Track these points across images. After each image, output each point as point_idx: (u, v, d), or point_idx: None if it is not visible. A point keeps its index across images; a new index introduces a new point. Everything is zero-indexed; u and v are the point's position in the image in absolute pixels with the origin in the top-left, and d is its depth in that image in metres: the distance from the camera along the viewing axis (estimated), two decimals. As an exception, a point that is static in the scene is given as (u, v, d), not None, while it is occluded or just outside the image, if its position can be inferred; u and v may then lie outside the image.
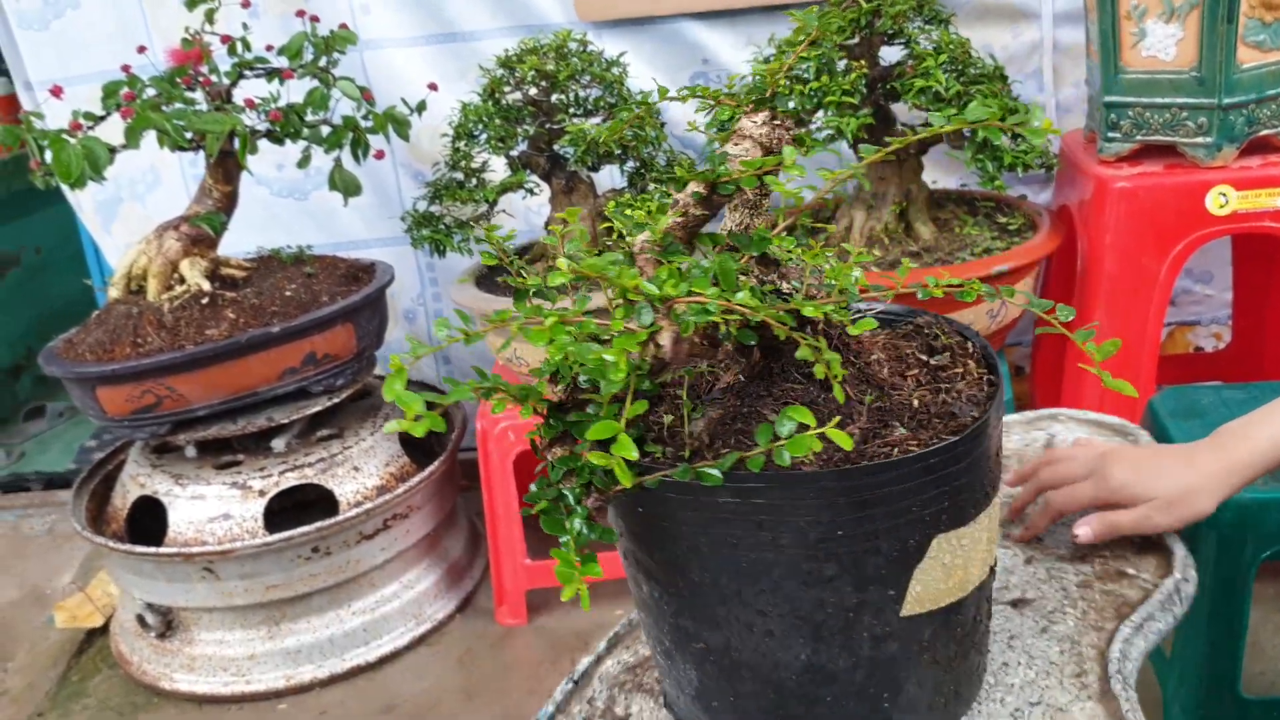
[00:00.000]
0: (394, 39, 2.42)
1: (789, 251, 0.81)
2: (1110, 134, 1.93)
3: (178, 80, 1.99)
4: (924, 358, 0.85)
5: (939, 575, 0.77)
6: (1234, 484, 1.02)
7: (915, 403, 0.79)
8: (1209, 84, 1.80)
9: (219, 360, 1.96)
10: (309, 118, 2.05)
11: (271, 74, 2.07)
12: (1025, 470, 1.15)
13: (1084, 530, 1.04)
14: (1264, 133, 1.85)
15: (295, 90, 2.06)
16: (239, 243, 2.28)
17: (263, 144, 2.05)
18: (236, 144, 1.97)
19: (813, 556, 0.73)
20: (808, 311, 0.74)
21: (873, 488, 0.72)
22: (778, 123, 0.76)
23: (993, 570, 0.85)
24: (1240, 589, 1.50)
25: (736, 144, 0.75)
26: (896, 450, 0.74)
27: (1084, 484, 1.05)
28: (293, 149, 2.11)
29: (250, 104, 1.99)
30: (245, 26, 2.09)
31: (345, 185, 2.17)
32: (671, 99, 0.86)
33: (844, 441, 0.66)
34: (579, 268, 0.69)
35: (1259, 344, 2.35)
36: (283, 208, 2.56)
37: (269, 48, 2.08)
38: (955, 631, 0.81)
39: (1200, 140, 1.83)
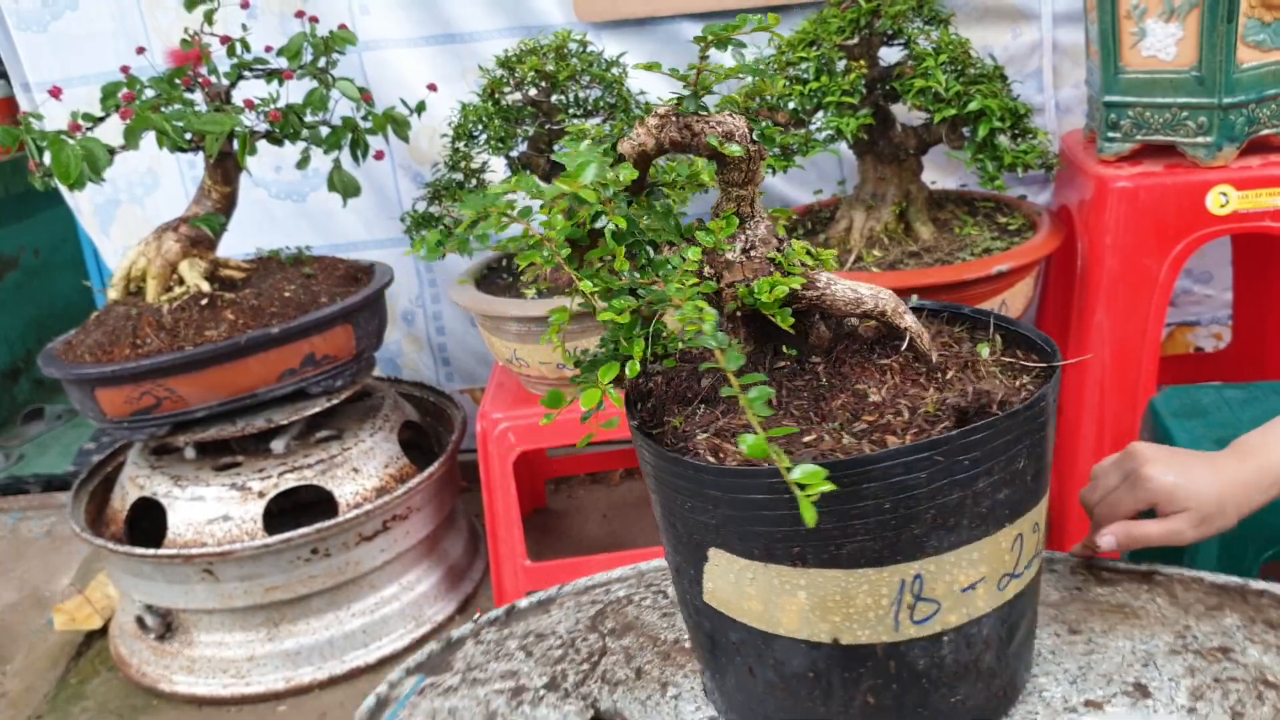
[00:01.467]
0: (393, 40, 2.42)
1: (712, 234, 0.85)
2: (1110, 134, 1.93)
3: (177, 81, 1.99)
4: (919, 392, 0.84)
5: (727, 588, 0.81)
6: (1257, 500, 0.99)
7: (826, 440, 0.80)
8: (1209, 84, 1.79)
9: (218, 361, 1.96)
10: (308, 118, 2.04)
11: (271, 75, 2.07)
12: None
13: (1108, 539, 1.00)
14: (1264, 132, 1.85)
15: (294, 91, 2.06)
16: (237, 245, 2.27)
17: (261, 146, 2.05)
18: (235, 145, 1.97)
19: (654, 496, 0.85)
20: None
21: (656, 468, 0.81)
22: (673, 119, 0.82)
23: (873, 660, 0.80)
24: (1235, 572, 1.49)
25: (635, 130, 0.83)
26: (704, 452, 0.80)
27: (1121, 491, 1.01)
28: (291, 151, 2.11)
29: (250, 105, 1.99)
30: (244, 28, 2.09)
31: (344, 186, 2.16)
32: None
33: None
34: (526, 186, 0.79)
35: (1259, 344, 2.35)
36: (281, 210, 2.56)
37: (268, 49, 2.08)
38: (769, 661, 0.82)
39: (1200, 140, 1.83)
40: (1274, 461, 0.99)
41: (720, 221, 0.85)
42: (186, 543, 1.99)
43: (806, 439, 0.80)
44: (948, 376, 0.85)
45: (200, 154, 2.02)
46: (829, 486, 0.64)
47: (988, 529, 0.78)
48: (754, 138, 0.84)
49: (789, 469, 0.65)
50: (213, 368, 1.96)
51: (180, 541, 1.99)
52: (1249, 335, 2.40)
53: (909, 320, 0.86)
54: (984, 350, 0.87)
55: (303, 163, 2.13)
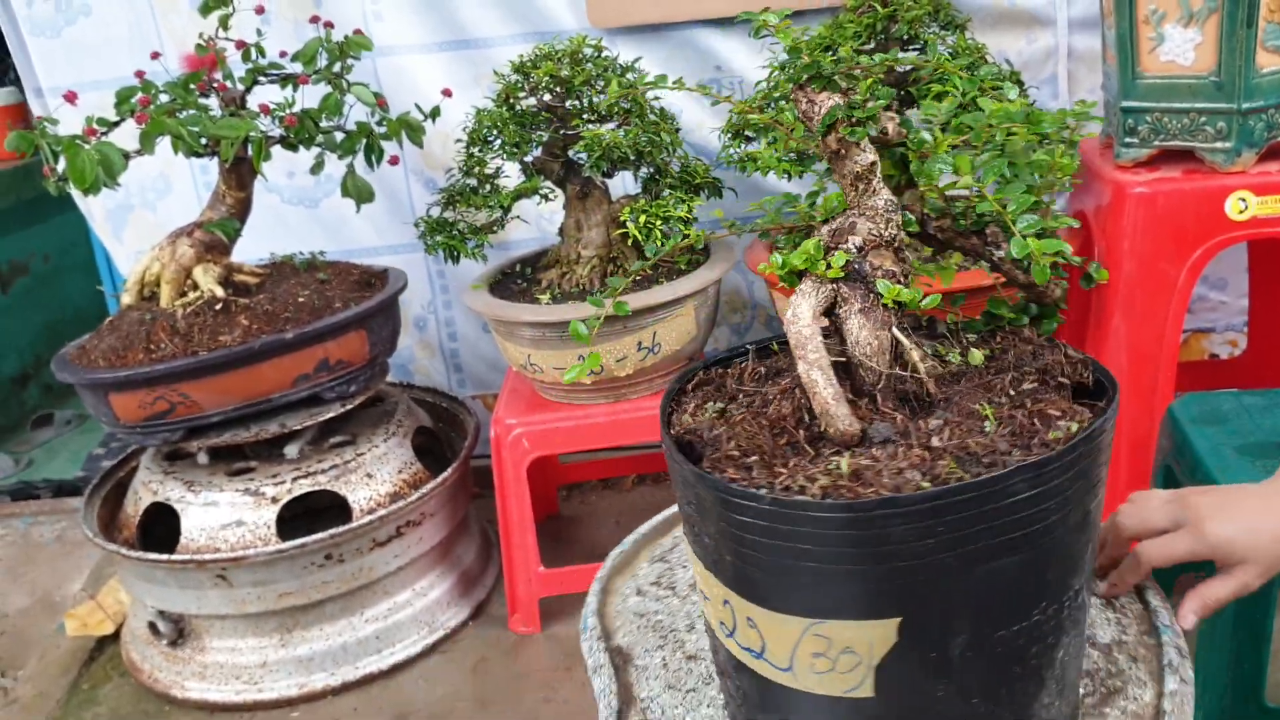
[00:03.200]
0: (407, 45, 2.42)
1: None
2: (1128, 139, 1.92)
3: (192, 86, 1.99)
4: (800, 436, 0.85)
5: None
6: None
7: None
8: (1228, 89, 1.78)
9: (232, 366, 1.95)
10: (323, 124, 2.04)
11: (286, 80, 2.07)
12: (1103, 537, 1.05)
13: (1190, 619, 0.96)
14: (1283, 138, 1.84)
15: (309, 97, 2.06)
16: (251, 250, 2.27)
17: (274, 151, 2.04)
18: (250, 150, 1.96)
19: None
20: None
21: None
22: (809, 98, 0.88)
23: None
24: (1264, 596, 1.48)
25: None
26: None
27: (1178, 537, 0.97)
28: (304, 156, 2.10)
29: (265, 109, 1.99)
30: (259, 33, 2.08)
31: (358, 192, 2.16)
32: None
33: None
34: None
35: (1276, 351, 2.34)
36: (293, 215, 2.56)
37: (282, 54, 2.08)
38: None
39: (1219, 145, 1.82)
40: None
41: (811, 197, 0.94)
42: (200, 548, 1.98)
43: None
44: (784, 432, 0.83)
45: (214, 159, 2.01)
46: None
47: (707, 560, 0.81)
48: (821, 127, 0.85)
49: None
50: (227, 373, 1.96)
51: (193, 547, 1.99)
52: (1265, 342, 2.39)
53: (801, 368, 0.81)
54: (845, 464, 0.77)
55: (317, 168, 2.12)
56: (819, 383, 0.79)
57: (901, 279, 0.84)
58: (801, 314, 0.82)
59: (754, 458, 0.78)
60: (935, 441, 0.76)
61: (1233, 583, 0.95)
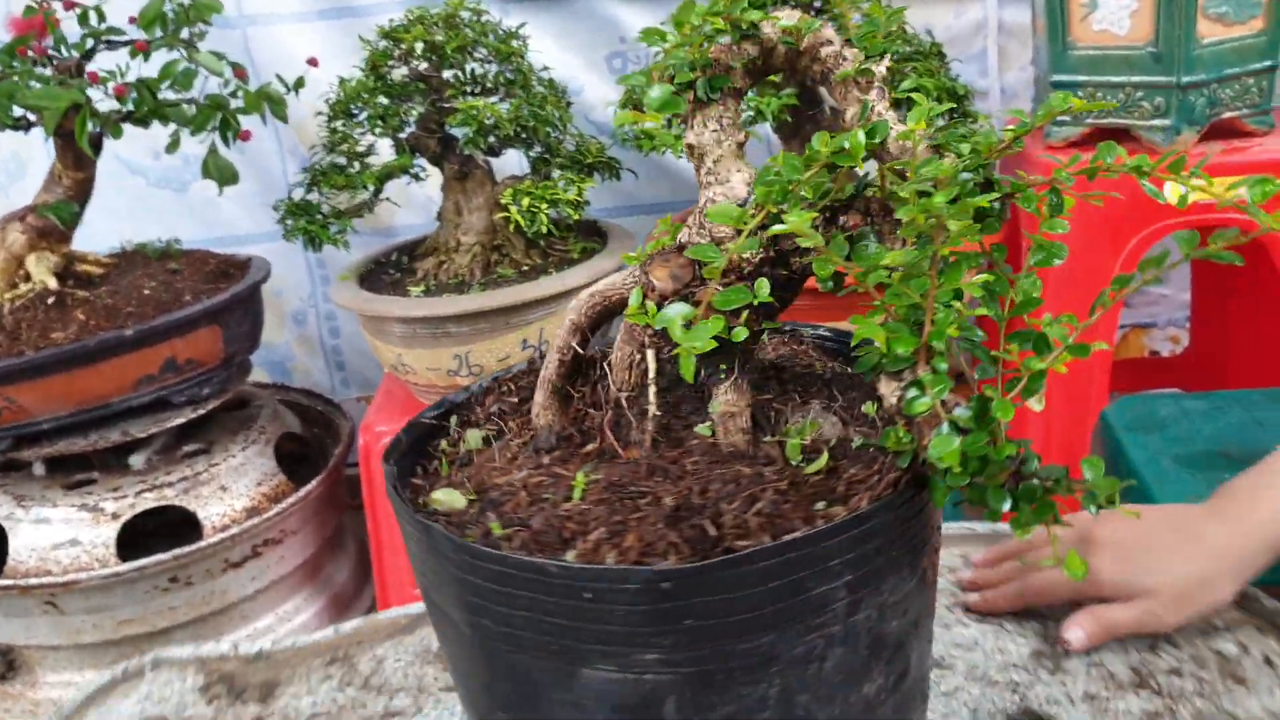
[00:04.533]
0: (282, 14, 2.21)
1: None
2: (1058, 117, 1.75)
3: (17, 52, 1.76)
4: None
5: None
6: (1258, 564, 0.81)
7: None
8: (1166, 61, 1.63)
9: (64, 367, 1.73)
10: (167, 94, 1.82)
11: (134, 48, 1.85)
12: (1006, 549, 0.95)
13: (1075, 634, 0.83)
14: (1226, 115, 1.68)
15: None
16: (110, 237, 2.06)
17: (138, 131, 1.83)
18: (77, 124, 1.74)
19: None
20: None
21: None
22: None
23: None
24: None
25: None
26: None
27: (1061, 575, 0.85)
28: (166, 135, 1.89)
29: (94, 78, 1.76)
30: (104, -7, 1.86)
31: (219, 172, 1.94)
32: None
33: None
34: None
35: (1220, 348, 2.19)
36: (160, 199, 2.34)
37: (132, 20, 1.86)
38: None
39: (1157, 123, 1.66)
40: (1262, 519, 0.80)
41: None
42: (28, 571, 1.76)
43: None
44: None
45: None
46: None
47: None
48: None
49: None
50: (58, 374, 1.74)
51: (22, 570, 1.77)
52: (1208, 339, 2.24)
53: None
54: (473, 439, 0.77)
55: (172, 146, 1.90)
56: (547, 363, 0.72)
57: (664, 299, 0.62)
58: (587, 290, 0.70)
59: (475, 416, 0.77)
60: (516, 474, 0.65)
61: (1136, 610, 0.81)
